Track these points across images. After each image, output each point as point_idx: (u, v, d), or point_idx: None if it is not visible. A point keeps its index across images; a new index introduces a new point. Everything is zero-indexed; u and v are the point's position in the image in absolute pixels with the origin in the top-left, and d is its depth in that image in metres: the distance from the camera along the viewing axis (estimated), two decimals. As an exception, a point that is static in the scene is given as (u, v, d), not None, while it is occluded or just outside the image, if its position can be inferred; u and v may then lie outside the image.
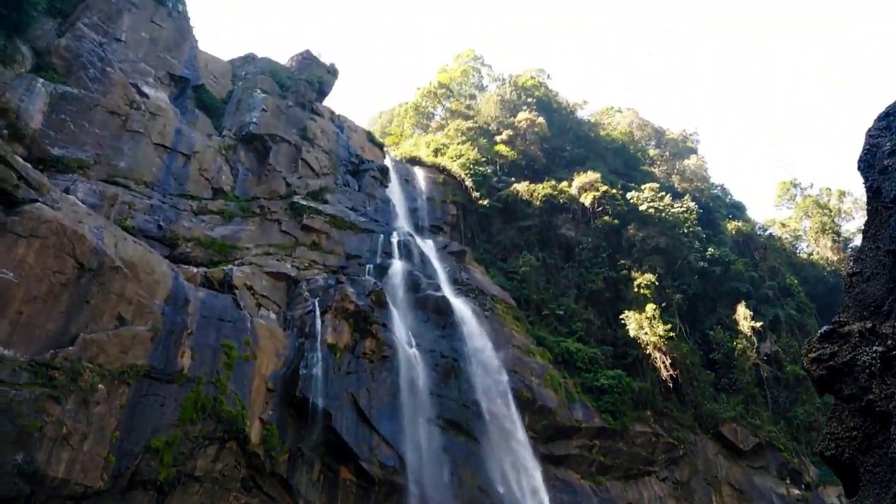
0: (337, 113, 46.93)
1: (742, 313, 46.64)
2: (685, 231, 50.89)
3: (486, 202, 48.10)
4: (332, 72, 48.08)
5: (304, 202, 35.36)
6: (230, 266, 29.03)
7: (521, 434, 30.76)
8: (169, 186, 31.37)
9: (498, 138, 58.06)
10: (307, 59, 46.83)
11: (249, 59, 44.79)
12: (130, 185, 29.59)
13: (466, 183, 49.14)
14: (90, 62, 31.24)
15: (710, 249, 51.11)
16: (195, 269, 27.75)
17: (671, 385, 39.35)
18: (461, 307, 34.64)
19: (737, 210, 67.62)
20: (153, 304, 23.71)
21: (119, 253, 23.65)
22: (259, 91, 39.94)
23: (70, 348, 20.74)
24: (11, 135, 26.46)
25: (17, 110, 26.96)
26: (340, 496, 25.02)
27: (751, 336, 44.82)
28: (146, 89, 33.20)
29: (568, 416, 33.61)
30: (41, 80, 28.55)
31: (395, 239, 37.25)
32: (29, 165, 23.66)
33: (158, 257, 26.15)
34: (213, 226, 31.17)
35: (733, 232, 56.73)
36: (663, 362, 39.91)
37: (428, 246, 39.40)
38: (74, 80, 30.12)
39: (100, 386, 20.78)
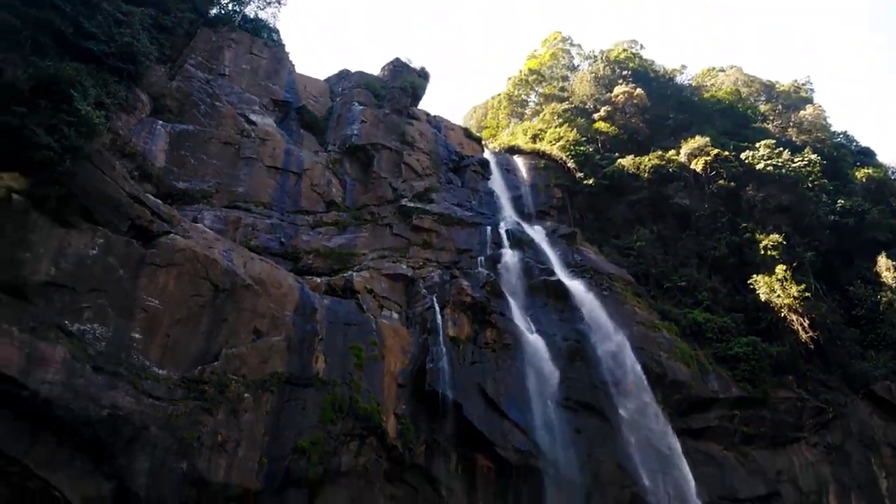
0: (433, 114, 47.73)
1: (884, 264, 43.33)
2: (809, 185, 47.94)
3: (591, 181, 47.31)
4: (424, 75, 48.94)
5: (412, 204, 36.25)
6: (350, 273, 30.23)
7: (654, 409, 30.08)
8: (285, 205, 33.08)
9: (596, 116, 56.94)
10: (398, 67, 47.92)
11: (344, 74, 46.39)
12: (251, 208, 31.47)
13: (568, 164, 48.55)
14: (200, 99, 33.50)
15: (840, 201, 47.88)
16: (318, 279, 29.13)
17: (812, 347, 37.19)
18: (578, 289, 34.33)
19: (865, 156, 62.83)
20: (284, 316, 25.10)
21: (248, 272, 25.21)
22: (356, 104, 41.31)
23: (215, 363, 22.35)
24: (141, 175, 28.82)
25: (143, 153, 29.33)
26: (479, 482, 25.47)
27: (896, 287, 41.58)
28: (254, 117, 35.19)
29: (703, 387, 32.54)
30: (160, 122, 30.92)
31: (503, 229, 37.44)
32: (159, 201, 25.71)
33: (284, 272, 27.66)
34: (329, 237, 32.60)
35: (864, 180, 52.78)
36: (801, 324, 37.82)
37: (536, 232, 39.30)
38: (189, 117, 32.40)
39: (245, 395, 22.26)
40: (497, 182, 44.60)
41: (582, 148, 49.87)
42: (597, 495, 26.55)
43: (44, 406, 18.44)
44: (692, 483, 29.24)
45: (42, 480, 18.20)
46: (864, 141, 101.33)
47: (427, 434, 25.75)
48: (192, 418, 21.02)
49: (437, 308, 29.20)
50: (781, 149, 50.01)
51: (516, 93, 68.50)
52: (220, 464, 20.77)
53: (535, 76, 68.66)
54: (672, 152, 49.77)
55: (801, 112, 63.96)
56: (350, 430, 23.84)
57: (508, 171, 47.06)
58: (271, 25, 42.94)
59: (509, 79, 70.46)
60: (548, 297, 33.30)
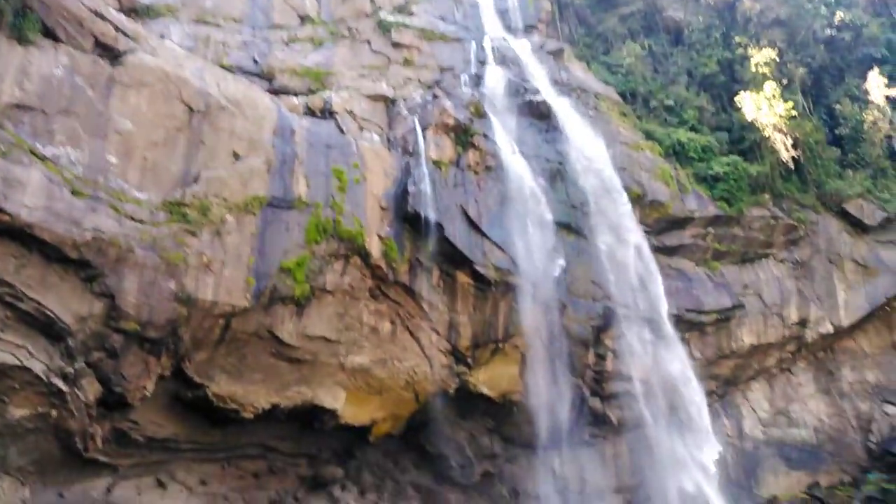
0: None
1: (875, 81, 42.47)
2: (809, -3, 45.67)
3: (581, -8, 44.78)
4: None
5: (391, 17, 34.49)
6: (328, 93, 29.41)
7: (631, 227, 30.91)
8: (257, 20, 31.41)
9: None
10: None
11: None
12: (220, 23, 29.89)
13: (559, -27, 45.61)
14: None
15: (838, 14, 45.86)
16: (296, 100, 28.39)
17: (792, 166, 37.50)
18: (564, 108, 33.78)
19: (873, -38, 59.26)
20: (263, 138, 24.75)
21: (223, 92, 24.46)
22: None
23: (195, 187, 22.37)
24: (100, -13, 26.92)
25: (100, -40, 27.14)
26: (460, 297, 26.76)
27: (883, 106, 41.07)
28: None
29: (681, 207, 33.20)
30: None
31: (487, 44, 35.96)
32: (123, 16, 24.27)
33: (260, 92, 26.87)
34: (305, 54, 31.30)
35: (867, -11, 50.19)
36: (784, 143, 37.78)
37: (523, 47, 37.81)
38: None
39: (228, 218, 22.54)
40: (482, -8, 42.12)
41: (573, -45, 46.58)
42: (570, 308, 28.08)
43: (27, 230, 18.65)
44: (663, 298, 30.86)
45: (34, 301, 18.88)
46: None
47: (411, 253, 26.53)
48: (177, 240, 21.43)
49: (419, 130, 28.84)
50: (783, -44, 47.00)
51: None
52: (207, 283, 21.50)
53: None
54: (668, -40, 46.67)
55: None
56: (334, 251, 24.47)
57: (495, -19, 44.27)
58: None
59: None
60: (532, 118, 32.86)
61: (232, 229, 22.55)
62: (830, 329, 35.83)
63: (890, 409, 36.15)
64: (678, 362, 31.68)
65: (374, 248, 25.40)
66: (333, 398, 26.41)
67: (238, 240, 22.57)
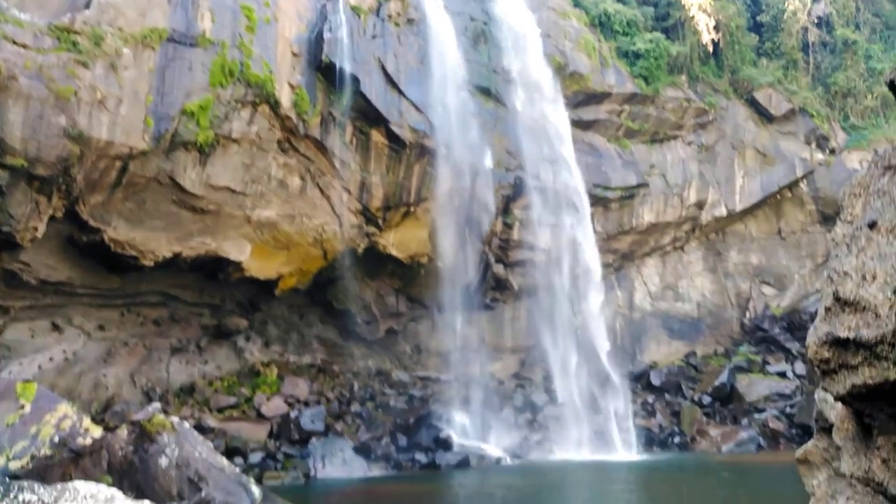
0: None
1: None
2: None
3: None
4: None
5: None
6: (240, -80, 26.64)
7: (551, 98, 30.72)
8: None
9: None
10: None
11: None
12: None
13: None
14: None
15: None
16: (203, -75, 25.58)
17: (711, 50, 37.79)
18: (493, -35, 32.19)
19: None
20: (163, -36, 22.42)
21: None
22: None
23: (87, 12, 20.28)
24: None
25: None
26: (374, 156, 26.20)
27: (806, -4, 41.52)
28: None
29: (600, 81, 33.10)
30: None
31: None
32: None
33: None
34: None
35: None
36: (707, 25, 37.80)
37: None
38: None
39: (125, 50, 20.72)
40: None
41: None
42: (483, 176, 28.12)
43: None
44: (576, 171, 31.33)
45: None
46: None
47: (323, 106, 25.45)
48: (67, 71, 19.63)
49: (338, -29, 26.85)
50: None
51: None
52: (101, 121, 20.03)
53: None
54: None
55: None
56: (241, 97, 23.13)
57: None
58: None
59: None
60: (460, -29, 31.21)
61: (129, 64, 20.80)
62: (724, 213, 37.71)
63: (766, 289, 39.16)
64: (581, 235, 32.78)
65: (285, 96, 24.17)
66: (239, 251, 25.98)
67: (135, 76, 20.89)
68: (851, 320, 2.07)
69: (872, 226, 2.15)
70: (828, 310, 2.24)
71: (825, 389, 2.23)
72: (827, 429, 3.06)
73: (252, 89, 23.30)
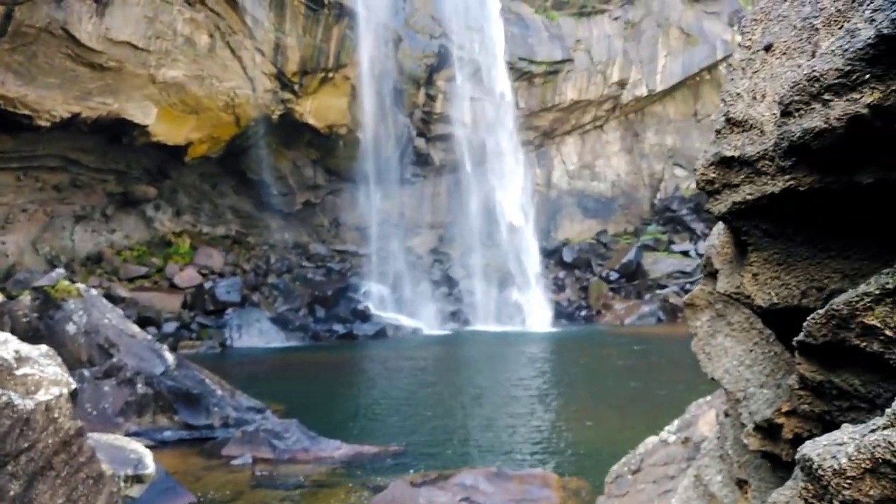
0: None
1: None
2: None
3: None
4: None
5: None
6: None
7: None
8: None
9: None
10: None
11: None
12: None
13: None
14: None
15: None
16: None
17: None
18: None
19: None
20: None
21: None
22: None
23: None
24: None
25: None
26: (289, 15, 24.67)
27: None
28: None
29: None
30: None
31: None
32: None
33: None
34: None
35: None
36: None
37: None
38: None
39: None
40: None
41: None
42: (406, 43, 27.07)
43: None
44: (501, 43, 30.56)
45: None
46: None
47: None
48: None
49: None
50: None
51: None
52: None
53: None
54: None
55: None
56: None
57: None
58: None
59: None
60: None
61: None
62: (645, 92, 38.08)
63: (678, 171, 40.45)
64: (503, 110, 32.53)
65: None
66: (143, 113, 24.49)
67: None
68: (738, 139, 2.10)
69: (768, 48, 2.17)
70: (718, 132, 2.26)
71: (707, 211, 2.27)
72: (712, 274, 3.17)
73: (152, -69, 21.15)
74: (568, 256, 37.94)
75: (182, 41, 23.45)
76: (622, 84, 37.07)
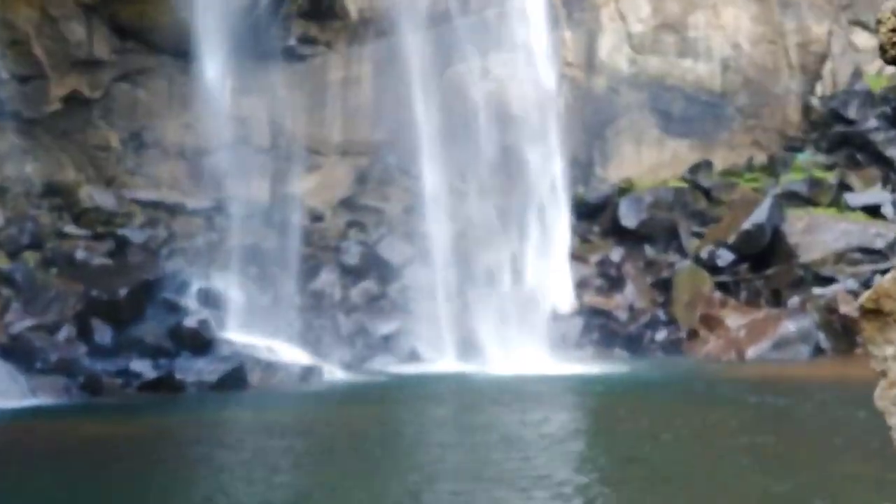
0: None
1: None
2: None
3: None
4: None
5: None
6: None
7: None
8: None
9: None
10: None
11: None
12: None
13: None
14: None
15: None
16: None
17: None
18: None
19: None
20: None
21: None
22: None
23: None
24: None
25: None
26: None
27: None
28: None
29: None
30: None
31: None
32: None
33: None
34: None
35: None
36: None
37: None
38: None
39: None
40: None
41: None
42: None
43: None
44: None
45: None
46: None
47: None
48: None
49: None
50: None
51: None
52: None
53: None
54: None
55: None
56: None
57: None
58: None
59: None
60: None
61: None
62: None
63: (861, 35, 19.95)
64: None
65: None
66: None
67: None
68: None
69: None
70: None
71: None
72: None
73: None
74: (630, 218, 19.54)
75: None
76: None
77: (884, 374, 1.59)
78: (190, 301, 16.97)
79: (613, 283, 18.61)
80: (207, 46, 17.08)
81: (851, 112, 19.98)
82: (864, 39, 19.96)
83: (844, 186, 19.33)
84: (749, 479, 9.06)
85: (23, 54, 17.27)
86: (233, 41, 16.78)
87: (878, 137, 19.70)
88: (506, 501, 8.24)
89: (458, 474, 9.27)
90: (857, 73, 20.14)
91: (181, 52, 17.22)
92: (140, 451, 11.59)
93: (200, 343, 16.29)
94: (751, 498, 8.43)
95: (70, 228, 17.72)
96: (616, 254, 18.76)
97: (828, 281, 18.22)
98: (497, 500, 8.23)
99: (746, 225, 18.68)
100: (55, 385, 15.18)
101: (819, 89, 20.08)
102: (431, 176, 17.82)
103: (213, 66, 17.32)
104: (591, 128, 19.76)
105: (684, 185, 19.71)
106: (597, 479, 8.80)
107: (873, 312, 1.60)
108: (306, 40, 17.85)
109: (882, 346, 1.61)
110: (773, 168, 19.80)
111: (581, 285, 18.36)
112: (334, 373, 15.96)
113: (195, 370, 15.76)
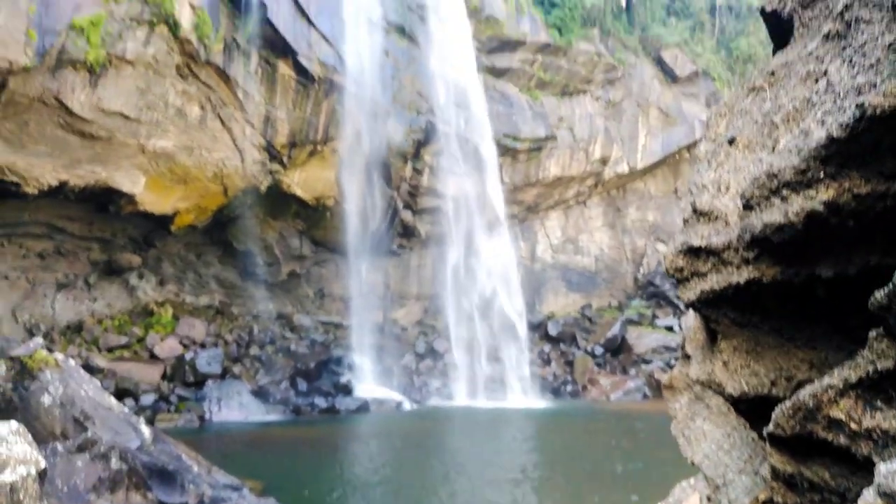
0: None
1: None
2: None
3: None
4: None
5: None
6: None
7: (465, 42, 30.33)
8: None
9: None
10: None
11: None
12: None
13: None
14: None
15: None
16: None
17: (624, 4, 38.39)
18: None
19: None
20: None
21: None
22: None
23: None
24: None
25: None
26: (280, 90, 25.22)
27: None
28: None
29: (515, 27, 32.95)
30: None
31: None
32: None
33: None
34: None
35: None
36: (620, -19, 38.29)
37: None
38: None
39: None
40: None
41: None
42: (393, 117, 27.66)
43: None
44: (485, 120, 31.33)
45: None
46: None
47: (227, 32, 24.10)
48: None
49: None
50: None
51: None
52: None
53: None
54: None
55: None
56: (137, 15, 21.50)
57: None
58: None
59: None
60: None
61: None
62: (626, 170, 38.91)
63: (661, 246, 40.91)
64: (489, 185, 33.01)
65: (185, 18, 22.63)
66: (132, 182, 24.64)
67: (15, -18, 19.07)
68: (704, 229, 2.15)
69: (732, 142, 2.26)
70: (686, 221, 2.31)
71: (678, 297, 2.30)
72: (688, 357, 3.18)
73: (149, 7, 21.70)
74: (553, 330, 37.81)
75: (173, 112, 23.82)
76: (604, 161, 37.90)
77: (674, 417, 3.01)
78: (342, 369, 30.30)
79: (546, 362, 38.13)
80: (354, 249, 32.35)
81: (657, 281, 40.73)
82: (661, 246, 41.20)
83: (655, 316, 39.63)
84: (608, 461, 16.59)
85: (269, 252, 36.96)
86: (366, 245, 35.74)
87: (671, 294, 40.32)
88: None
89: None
90: (659, 263, 41.20)
91: (342, 252, 36.85)
92: (322, 441, 20.55)
93: (346, 390, 28.77)
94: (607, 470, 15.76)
95: (288, 334, 36.38)
96: (547, 347, 38.44)
97: (649, 362, 37.18)
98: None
99: (609, 335, 38.26)
100: (278, 410, 26.30)
101: (642, 270, 41.02)
102: (462, 301, 37.22)
103: (356, 258, 33.50)
104: (533, 287, 40.08)
105: (579, 315, 39.83)
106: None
107: (669, 388, 3.07)
108: (401, 246, 37.99)
109: (673, 403, 3.00)
110: (621, 308, 40.09)
111: (531, 363, 37.77)
112: (410, 405, 29.00)
113: (345, 403, 27.41)
